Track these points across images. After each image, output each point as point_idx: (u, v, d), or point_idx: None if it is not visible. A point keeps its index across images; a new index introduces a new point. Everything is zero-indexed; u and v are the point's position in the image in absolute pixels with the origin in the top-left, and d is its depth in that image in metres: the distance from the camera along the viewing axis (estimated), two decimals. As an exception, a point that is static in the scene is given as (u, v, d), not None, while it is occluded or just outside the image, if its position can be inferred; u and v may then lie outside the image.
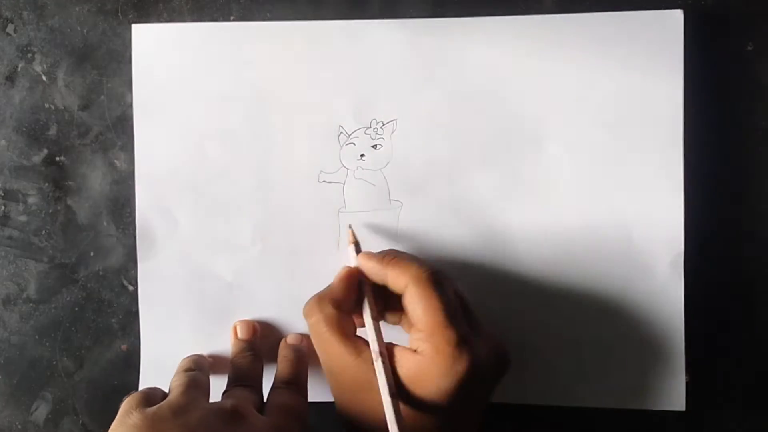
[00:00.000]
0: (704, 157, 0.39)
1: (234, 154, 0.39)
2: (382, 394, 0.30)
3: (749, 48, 0.40)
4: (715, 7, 0.40)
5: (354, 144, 0.39)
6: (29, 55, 0.41)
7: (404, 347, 0.32)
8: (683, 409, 0.38)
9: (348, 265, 0.35)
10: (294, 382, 0.36)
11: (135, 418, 0.30)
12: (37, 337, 0.41)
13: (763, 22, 0.39)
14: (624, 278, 0.38)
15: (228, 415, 0.31)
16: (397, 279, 0.32)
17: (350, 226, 0.38)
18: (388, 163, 0.39)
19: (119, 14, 0.41)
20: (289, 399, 0.35)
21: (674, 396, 0.38)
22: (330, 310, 0.33)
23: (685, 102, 0.38)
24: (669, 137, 0.38)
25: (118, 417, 0.31)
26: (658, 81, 0.38)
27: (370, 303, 0.33)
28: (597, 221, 0.38)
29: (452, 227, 0.39)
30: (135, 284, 0.40)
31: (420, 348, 0.31)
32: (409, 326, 0.33)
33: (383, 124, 0.39)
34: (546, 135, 0.38)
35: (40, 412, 0.40)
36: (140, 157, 0.39)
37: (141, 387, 0.39)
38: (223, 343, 0.39)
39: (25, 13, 0.41)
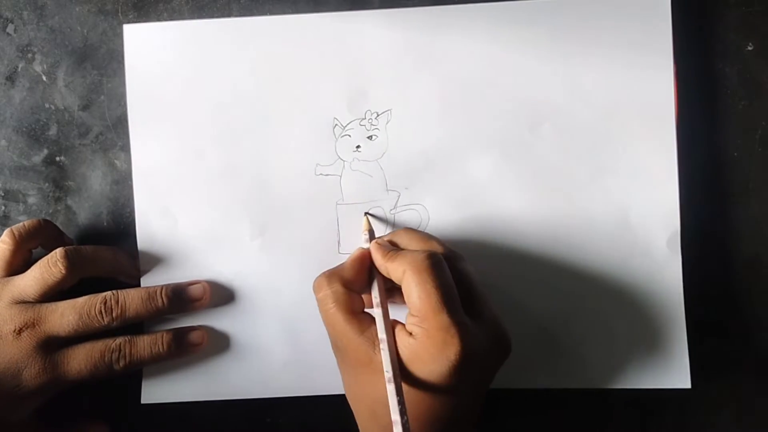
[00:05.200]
0: (704, 158, 0.39)
1: (230, 151, 0.39)
2: (386, 379, 0.30)
3: (749, 48, 0.40)
4: (715, 7, 0.40)
5: (349, 136, 0.39)
6: (29, 55, 0.41)
7: (403, 328, 0.32)
8: (688, 386, 0.38)
9: (362, 247, 0.36)
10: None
11: None
12: (37, 337, 0.41)
13: (763, 22, 0.40)
14: (622, 259, 0.38)
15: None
16: (396, 271, 0.32)
17: (366, 214, 0.39)
18: (384, 153, 0.39)
19: (119, 14, 0.41)
20: None
21: (678, 373, 0.38)
22: (338, 286, 0.33)
23: (684, 102, 0.38)
24: (661, 118, 0.38)
25: None
26: (648, 63, 0.38)
27: (379, 287, 0.34)
28: (593, 203, 0.39)
29: (449, 214, 0.39)
30: (136, 284, 0.39)
31: (414, 332, 0.31)
32: (409, 311, 0.33)
33: (378, 115, 0.39)
34: (540, 119, 0.39)
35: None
36: (137, 157, 0.40)
37: (144, 388, 0.39)
38: (225, 340, 0.39)
39: (25, 13, 0.41)
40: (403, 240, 0.35)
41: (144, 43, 0.39)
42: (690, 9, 0.39)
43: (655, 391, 0.39)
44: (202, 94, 0.39)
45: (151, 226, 0.39)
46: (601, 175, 0.39)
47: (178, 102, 0.39)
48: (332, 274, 0.34)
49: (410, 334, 0.31)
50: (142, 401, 0.39)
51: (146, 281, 0.39)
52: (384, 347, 0.31)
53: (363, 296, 0.34)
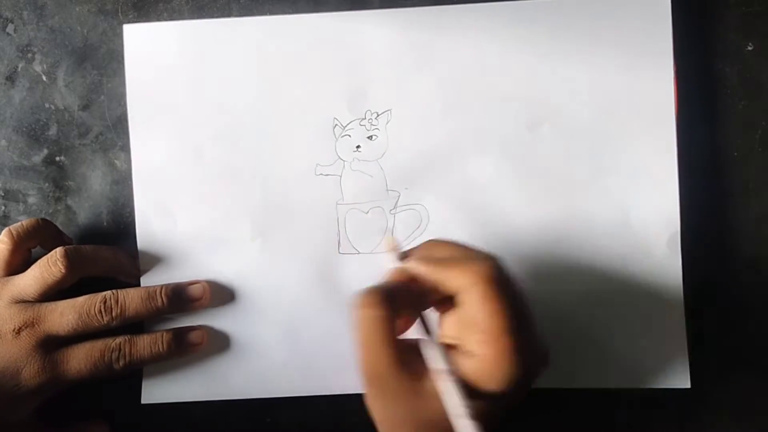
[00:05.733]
0: (704, 158, 0.39)
1: (230, 151, 0.39)
2: (454, 416, 0.28)
3: (749, 48, 0.40)
4: (715, 7, 0.40)
5: (349, 136, 0.39)
6: (29, 55, 0.41)
7: (458, 350, 0.30)
8: (688, 386, 0.38)
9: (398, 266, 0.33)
10: None
11: None
12: (37, 337, 0.41)
13: (763, 22, 0.40)
14: (622, 259, 0.38)
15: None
16: (456, 279, 0.29)
17: (390, 233, 0.38)
18: (384, 153, 0.39)
19: (119, 14, 0.41)
20: None
21: (678, 373, 0.38)
22: (387, 310, 0.30)
23: (684, 102, 0.38)
24: (661, 117, 0.38)
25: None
26: (648, 63, 0.38)
27: (427, 316, 0.31)
28: (593, 203, 0.39)
29: (449, 214, 0.39)
30: (136, 284, 0.39)
31: (480, 351, 0.29)
32: (461, 326, 0.30)
33: (378, 115, 0.39)
34: (540, 119, 0.39)
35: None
36: (137, 158, 0.39)
37: (144, 388, 0.39)
38: (226, 340, 0.39)
39: (25, 13, 0.41)
40: (434, 251, 0.32)
41: (144, 43, 0.39)
42: (690, 9, 0.39)
43: (655, 391, 0.39)
44: (201, 94, 0.39)
45: (151, 225, 0.39)
46: (601, 175, 0.39)
47: (178, 102, 0.39)
48: (383, 294, 0.30)
49: (470, 353, 0.29)
50: (143, 401, 0.39)
51: (146, 281, 0.39)
52: (447, 379, 0.29)
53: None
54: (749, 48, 0.40)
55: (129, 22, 0.40)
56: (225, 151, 0.39)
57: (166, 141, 0.39)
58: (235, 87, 0.39)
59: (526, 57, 0.39)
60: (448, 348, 0.30)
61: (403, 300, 0.31)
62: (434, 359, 0.30)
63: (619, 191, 0.39)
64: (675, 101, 0.38)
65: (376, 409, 0.31)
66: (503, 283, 0.29)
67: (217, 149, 0.39)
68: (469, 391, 0.29)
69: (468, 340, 0.29)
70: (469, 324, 0.29)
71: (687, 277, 0.38)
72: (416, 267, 0.31)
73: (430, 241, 0.34)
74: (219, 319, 0.39)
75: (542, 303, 0.38)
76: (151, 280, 0.39)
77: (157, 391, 0.39)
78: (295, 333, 0.39)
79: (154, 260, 0.39)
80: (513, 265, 0.38)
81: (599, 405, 0.40)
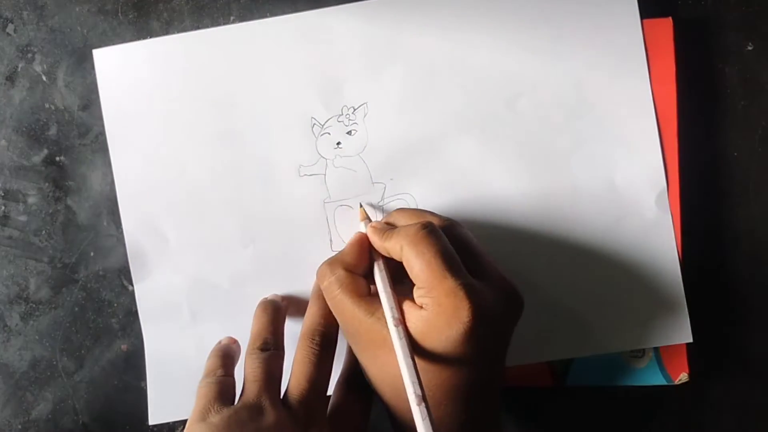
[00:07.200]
0: (703, 157, 0.39)
1: (212, 163, 0.39)
2: (399, 361, 0.30)
3: (749, 48, 0.40)
4: (715, 7, 0.40)
5: (329, 133, 0.39)
6: (29, 55, 0.41)
7: (412, 303, 0.31)
8: (690, 340, 0.38)
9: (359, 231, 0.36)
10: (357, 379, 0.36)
11: (214, 419, 0.31)
12: (37, 337, 0.41)
13: (763, 22, 0.40)
14: (614, 223, 0.39)
15: (302, 423, 0.32)
16: (394, 249, 0.32)
17: (361, 204, 0.39)
18: (365, 147, 0.39)
19: (119, 14, 0.41)
20: (355, 404, 0.35)
21: (680, 328, 0.38)
22: (341, 271, 0.33)
23: (684, 102, 0.38)
24: (635, 78, 0.38)
25: (197, 410, 0.32)
26: (617, 23, 0.38)
27: (382, 268, 0.33)
28: (578, 171, 0.39)
29: (437, 200, 0.39)
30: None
31: (424, 303, 0.30)
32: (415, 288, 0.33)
33: (354, 110, 0.39)
34: (515, 94, 0.39)
35: (40, 412, 0.40)
36: (120, 180, 0.39)
37: (150, 411, 0.39)
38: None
39: (25, 13, 0.41)
40: (397, 219, 0.35)
41: (115, 66, 0.39)
42: (690, 9, 0.39)
43: (655, 391, 0.39)
44: (178, 109, 0.39)
45: (143, 247, 0.39)
46: (583, 143, 0.39)
47: (156, 120, 0.39)
48: (334, 261, 0.34)
49: (420, 307, 0.31)
50: (150, 423, 0.39)
51: (144, 303, 0.39)
52: (393, 330, 0.30)
53: (369, 279, 0.34)
54: (749, 48, 0.40)
55: (129, 22, 0.40)
56: (207, 163, 0.39)
57: (148, 162, 0.39)
58: (210, 99, 0.39)
59: (495, 34, 0.39)
60: (416, 308, 0.31)
61: (360, 262, 0.34)
62: (384, 308, 0.31)
63: (602, 157, 0.39)
64: (675, 101, 0.38)
65: (361, 364, 0.34)
66: (428, 241, 0.31)
67: (199, 163, 0.39)
68: (427, 348, 0.30)
69: (415, 296, 0.31)
70: (415, 282, 0.31)
71: (687, 277, 0.38)
72: (369, 236, 0.34)
73: (397, 210, 0.36)
74: (221, 332, 0.39)
75: (539, 277, 0.39)
76: (148, 300, 0.39)
77: (164, 411, 0.39)
78: (296, 335, 0.39)
79: (148, 281, 0.39)
80: (504, 241, 0.38)
81: (599, 404, 0.40)
